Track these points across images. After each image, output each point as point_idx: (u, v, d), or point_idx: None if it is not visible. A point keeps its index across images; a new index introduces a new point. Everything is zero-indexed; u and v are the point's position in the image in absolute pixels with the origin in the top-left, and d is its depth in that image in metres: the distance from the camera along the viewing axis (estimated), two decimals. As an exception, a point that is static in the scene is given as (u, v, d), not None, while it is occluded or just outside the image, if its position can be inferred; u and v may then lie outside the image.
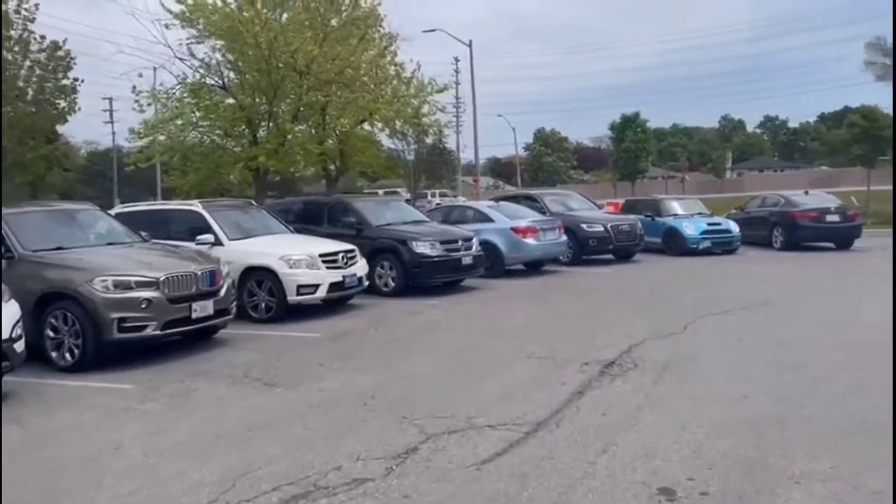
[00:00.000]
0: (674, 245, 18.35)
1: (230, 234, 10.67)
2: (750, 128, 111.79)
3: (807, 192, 20.21)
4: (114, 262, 8.01)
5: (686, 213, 19.31)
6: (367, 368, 7.38)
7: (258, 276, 10.20)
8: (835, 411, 5.40)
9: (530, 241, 14.60)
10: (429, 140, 28.74)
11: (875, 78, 67.02)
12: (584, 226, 16.56)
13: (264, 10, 20.19)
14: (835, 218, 18.32)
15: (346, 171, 29.46)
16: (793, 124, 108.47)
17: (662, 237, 18.63)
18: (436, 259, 12.18)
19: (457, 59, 64.06)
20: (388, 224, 12.91)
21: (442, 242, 12.36)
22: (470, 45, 40.46)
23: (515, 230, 14.55)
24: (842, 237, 18.42)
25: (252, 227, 11.37)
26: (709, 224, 18.60)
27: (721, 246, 18.20)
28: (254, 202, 12.61)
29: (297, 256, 10.21)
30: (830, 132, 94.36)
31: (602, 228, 16.60)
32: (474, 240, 13.06)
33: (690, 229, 18.25)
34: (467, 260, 12.63)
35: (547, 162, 79.78)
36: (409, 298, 11.87)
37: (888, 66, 65.74)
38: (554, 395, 6.09)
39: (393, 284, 12.27)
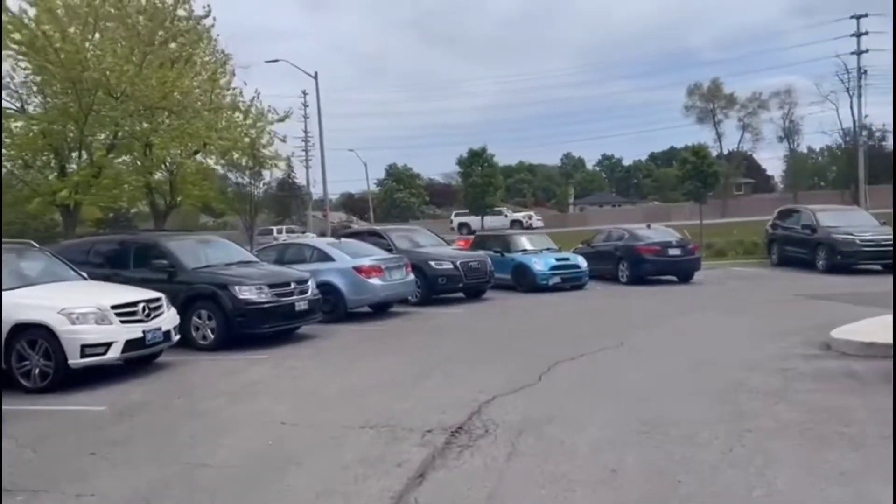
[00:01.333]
0: (524, 281, 17.87)
1: (-4, 283, 8.55)
2: (589, 165, 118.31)
3: (649, 226, 20.60)
4: None
5: (535, 248, 18.98)
6: (153, 457, 5.74)
7: (31, 335, 8.20)
8: (715, 487, 4.56)
9: (375, 281, 13.38)
10: (267, 171, 26.97)
11: (696, 120, 73.32)
12: (433, 263, 15.62)
13: (72, 28, 17.85)
14: (677, 251, 18.68)
15: (177, 205, 27.07)
16: (627, 162, 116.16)
17: (512, 273, 18.12)
18: (263, 305, 10.62)
19: (304, 93, 62.59)
20: (208, 266, 11.21)
21: (271, 286, 10.82)
22: (316, 77, 39.23)
23: (358, 270, 13.29)
24: (683, 270, 18.79)
25: (29, 274, 9.30)
26: (557, 259, 18.33)
27: (570, 281, 17.95)
28: (34, 243, 10.44)
29: (81, 309, 8.30)
30: (660, 170, 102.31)
31: (452, 266, 15.73)
32: (310, 282, 11.63)
33: (540, 265, 17.87)
34: (302, 305, 11.16)
35: (399, 197, 79.54)
36: (232, 353, 10.21)
37: (707, 109, 71.99)
38: (389, 482, 4.86)
39: (212, 337, 10.55)
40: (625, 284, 18.64)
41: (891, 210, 28.57)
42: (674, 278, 18.91)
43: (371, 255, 14.01)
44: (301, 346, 10.91)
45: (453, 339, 11.44)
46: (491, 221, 42.06)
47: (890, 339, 8.32)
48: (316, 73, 39.03)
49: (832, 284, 16.57)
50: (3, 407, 7.26)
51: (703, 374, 7.94)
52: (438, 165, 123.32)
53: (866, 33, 52.31)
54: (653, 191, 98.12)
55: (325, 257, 13.67)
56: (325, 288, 12.83)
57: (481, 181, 35.36)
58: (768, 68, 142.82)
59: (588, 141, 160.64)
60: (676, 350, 9.61)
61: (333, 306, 13.02)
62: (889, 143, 67.90)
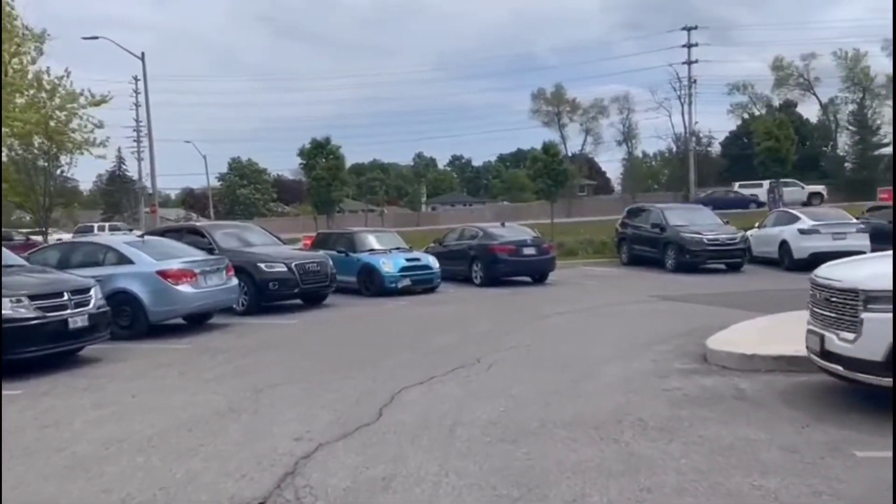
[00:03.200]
0: (371, 285, 16.20)
1: None
2: (441, 165, 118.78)
3: (503, 224, 19.59)
4: None
5: (383, 247, 17.36)
6: None
7: None
8: None
9: (185, 288, 11.07)
10: (66, 156, 23.53)
11: (542, 123, 75.23)
12: (263, 265, 13.50)
13: None
14: (532, 251, 17.72)
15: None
16: (476, 163, 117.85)
17: (357, 276, 16.40)
18: (24, 323, 8.12)
19: (136, 79, 57.09)
20: (-54, 273, 8.49)
21: (34, 297, 8.33)
22: (143, 59, 35.37)
23: (164, 274, 10.93)
24: (539, 270, 17.89)
25: None
26: (407, 260, 16.83)
27: (421, 284, 16.50)
28: None
29: None
30: (508, 171, 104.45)
31: (285, 268, 13.69)
32: (94, 291, 9.19)
33: (388, 266, 16.26)
34: (80, 321, 8.72)
35: (243, 194, 75.13)
36: (-28, 388, 7.65)
37: (552, 113, 74.04)
38: None
39: (-53, 367, 7.91)
40: (479, 286, 17.45)
41: (724, 211, 29.85)
42: (528, 279, 17.98)
43: (182, 256, 11.66)
44: (77, 374, 8.48)
45: (280, 358, 9.49)
46: (789, 194, 37.18)
47: (770, 352, 7.51)
48: (143, 53, 35.33)
49: (683, 284, 16.29)
50: None
51: (575, 398, 6.60)
52: (289, 161, 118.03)
53: (696, 45, 55.77)
54: (502, 191, 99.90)
55: (123, 259, 11.17)
56: (122, 297, 10.49)
57: (325, 174, 33.01)
58: (607, 75, 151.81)
59: (439, 140, 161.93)
60: (540, 365, 8.28)
61: (132, 320, 10.66)
62: (715, 149, 73.28)
